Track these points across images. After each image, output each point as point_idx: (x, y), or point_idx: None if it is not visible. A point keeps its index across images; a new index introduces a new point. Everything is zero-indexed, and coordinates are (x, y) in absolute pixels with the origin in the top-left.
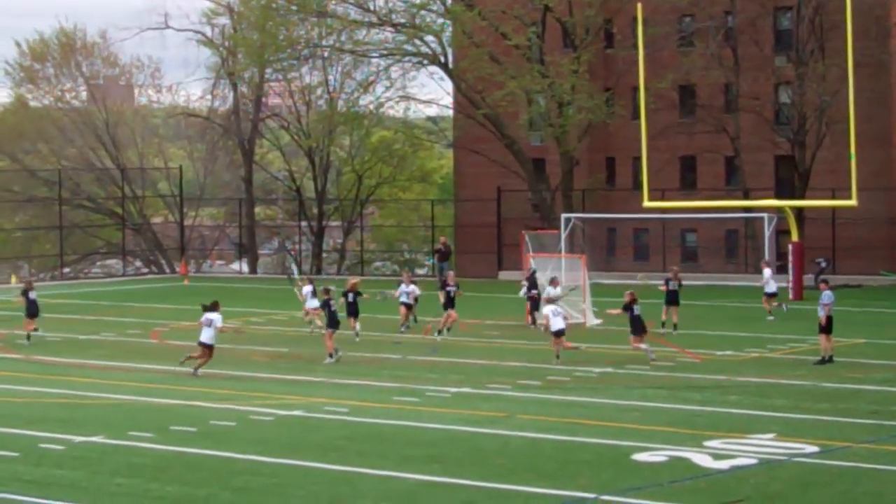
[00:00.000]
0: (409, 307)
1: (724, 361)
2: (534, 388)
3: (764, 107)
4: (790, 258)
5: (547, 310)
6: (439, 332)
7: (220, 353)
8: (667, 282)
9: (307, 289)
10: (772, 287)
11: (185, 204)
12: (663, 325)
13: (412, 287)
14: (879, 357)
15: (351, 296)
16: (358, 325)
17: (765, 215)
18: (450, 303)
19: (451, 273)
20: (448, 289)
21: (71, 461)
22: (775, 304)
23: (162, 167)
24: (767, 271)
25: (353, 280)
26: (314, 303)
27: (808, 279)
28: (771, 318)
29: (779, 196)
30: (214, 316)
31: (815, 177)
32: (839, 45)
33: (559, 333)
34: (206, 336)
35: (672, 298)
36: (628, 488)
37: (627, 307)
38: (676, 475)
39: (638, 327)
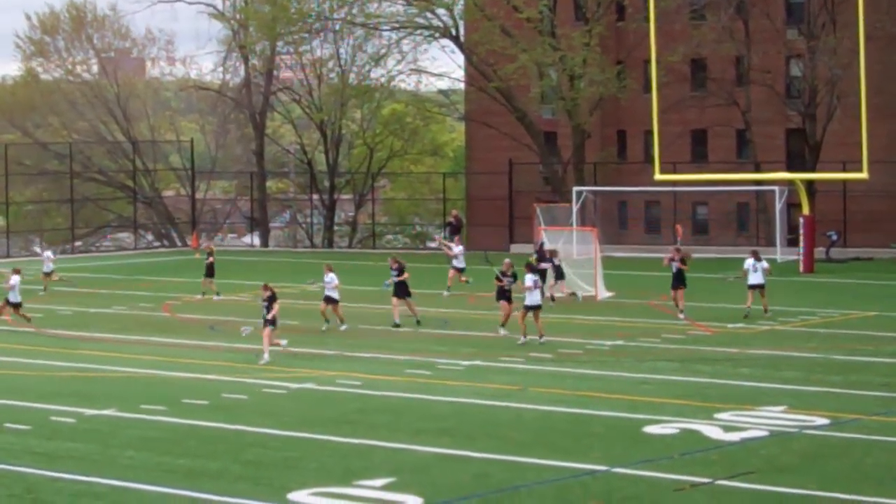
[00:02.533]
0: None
1: (736, 334)
2: (546, 361)
3: (775, 80)
4: (801, 231)
5: (528, 280)
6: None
7: (231, 327)
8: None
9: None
10: (756, 278)
11: (197, 177)
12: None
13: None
14: (890, 329)
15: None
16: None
17: (776, 188)
18: (503, 295)
19: (509, 261)
20: (506, 279)
21: (83, 434)
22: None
23: (173, 140)
24: (749, 261)
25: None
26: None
27: (820, 252)
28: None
29: (790, 169)
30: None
31: (826, 150)
32: (850, 18)
33: (532, 308)
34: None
35: (677, 280)
36: (640, 460)
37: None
38: (687, 447)
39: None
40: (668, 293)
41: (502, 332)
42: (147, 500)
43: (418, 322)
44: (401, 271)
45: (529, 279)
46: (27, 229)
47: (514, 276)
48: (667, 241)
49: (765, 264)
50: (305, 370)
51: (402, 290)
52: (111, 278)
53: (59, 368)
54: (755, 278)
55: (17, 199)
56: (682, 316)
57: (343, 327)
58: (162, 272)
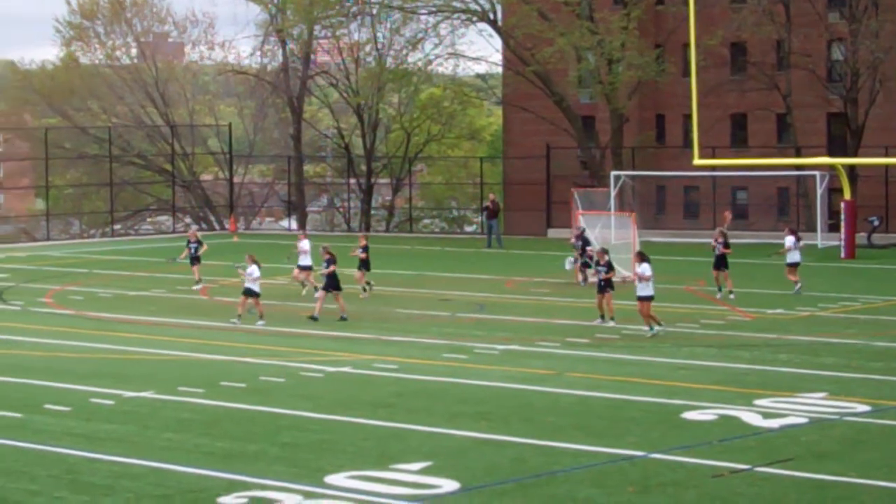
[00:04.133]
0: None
1: (775, 320)
2: (583, 345)
3: (816, 64)
4: (842, 216)
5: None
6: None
7: (268, 310)
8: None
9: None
10: (795, 256)
11: (235, 161)
12: (719, 289)
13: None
14: None
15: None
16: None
17: (816, 173)
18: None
19: (600, 249)
20: (598, 269)
21: (121, 416)
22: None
23: (212, 124)
24: (790, 239)
25: None
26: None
27: (861, 238)
28: (798, 286)
29: (831, 154)
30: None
31: (868, 134)
32: (892, 1)
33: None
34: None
35: (719, 261)
36: (677, 446)
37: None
38: (726, 434)
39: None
40: (706, 279)
41: (611, 323)
42: (185, 482)
43: (343, 318)
44: (330, 263)
45: (646, 268)
46: (67, 213)
47: (609, 266)
48: (706, 227)
49: (801, 242)
50: (342, 354)
51: (332, 283)
52: (150, 261)
53: (98, 350)
54: (795, 256)
55: (56, 183)
56: (732, 296)
57: (260, 323)
58: (203, 255)
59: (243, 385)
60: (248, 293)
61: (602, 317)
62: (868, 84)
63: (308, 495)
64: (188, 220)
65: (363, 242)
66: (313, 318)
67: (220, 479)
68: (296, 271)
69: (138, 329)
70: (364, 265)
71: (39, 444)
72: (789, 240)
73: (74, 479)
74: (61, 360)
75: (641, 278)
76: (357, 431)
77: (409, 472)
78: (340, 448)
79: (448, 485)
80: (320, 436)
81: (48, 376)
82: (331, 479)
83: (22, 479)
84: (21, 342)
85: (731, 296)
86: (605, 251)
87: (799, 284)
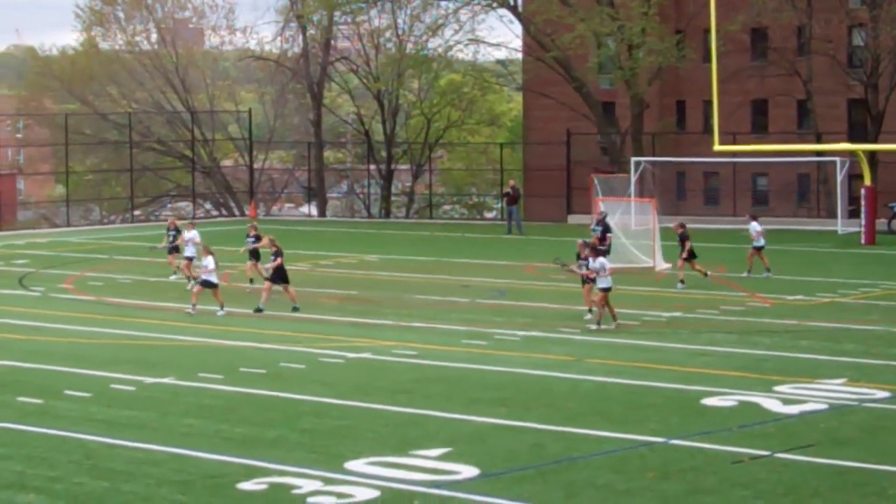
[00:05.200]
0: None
1: (795, 306)
2: (602, 332)
3: (837, 49)
4: (862, 202)
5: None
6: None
7: (288, 297)
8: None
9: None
10: (760, 241)
11: (255, 147)
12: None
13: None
14: None
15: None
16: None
17: (837, 159)
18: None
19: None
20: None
21: (142, 402)
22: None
23: (232, 110)
24: (755, 225)
25: None
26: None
27: (881, 224)
28: (745, 274)
29: (851, 140)
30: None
31: (889, 120)
32: None
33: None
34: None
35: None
36: (697, 432)
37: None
38: (746, 420)
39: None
40: (726, 265)
41: (588, 316)
42: (205, 468)
43: (295, 309)
44: (277, 255)
45: (604, 262)
46: (87, 199)
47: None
48: (727, 213)
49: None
50: (362, 340)
51: (279, 276)
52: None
53: (118, 336)
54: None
55: (76, 169)
56: (768, 274)
57: (220, 313)
58: (220, 241)
59: (263, 371)
60: (206, 285)
61: (591, 310)
62: (889, 70)
63: (327, 481)
64: (208, 205)
65: (253, 233)
66: (259, 310)
67: (239, 465)
68: (183, 263)
69: (158, 315)
70: (254, 255)
71: (60, 429)
72: (755, 225)
73: (94, 464)
74: (81, 346)
75: (600, 273)
76: (377, 417)
77: (429, 458)
78: (360, 434)
79: (467, 471)
80: (340, 422)
81: (68, 362)
82: (350, 464)
83: (42, 465)
84: (41, 328)
85: (768, 273)
86: (586, 244)
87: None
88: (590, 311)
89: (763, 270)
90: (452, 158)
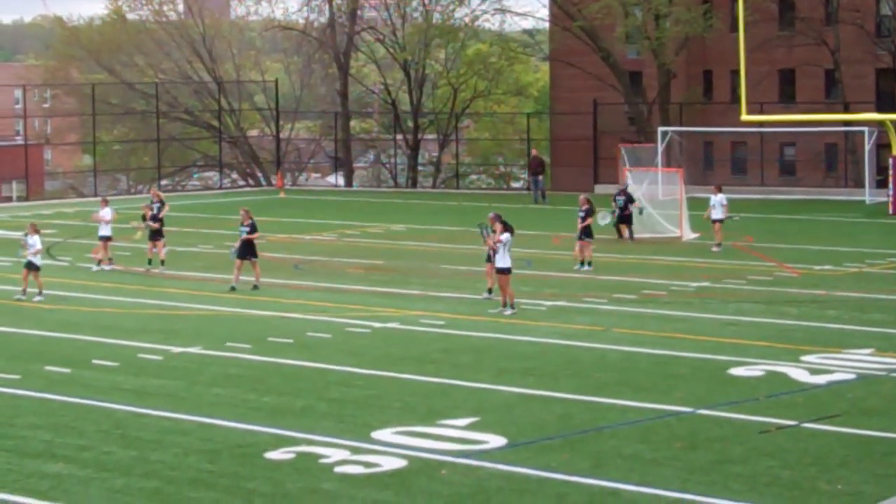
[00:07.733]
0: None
1: (823, 276)
2: (629, 301)
3: (865, 19)
4: (890, 172)
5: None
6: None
7: (315, 266)
8: None
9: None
10: (718, 214)
11: (281, 117)
12: None
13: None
14: None
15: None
16: None
17: (865, 129)
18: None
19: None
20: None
21: (169, 371)
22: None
23: (258, 80)
24: (721, 197)
25: None
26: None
27: None
28: (716, 248)
29: (879, 109)
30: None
31: None
32: None
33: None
34: None
35: None
36: (724, 402)
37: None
38: (773, 389)
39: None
40: (754, 235)
41: (587, 268)
42: (232, 437)
43: (255, 287)
44: (252, 229)
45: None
46: (114, 169)
47: (587, 213)
48: (754, 183)
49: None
50: (389, 309)
51: (248, 251)
52: (197, 217)
53: (146, 306)
54: (718, 213)
55: (104, 139)
56: (716, 249)
57: (38, 298)
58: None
59: (290, 341)
60: (30, 266)
61: (582, 263)
62: None
63: (355, 451)
64: (235, 175)
65: (149, 213)
66: (232, 289)
67: (267, 435)
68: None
69: (186, 285)
70: (157, 234)
71: (88, 399)
72: (721, 197)
73: (123, 433)
74: (109, 316)
75: (503, 244)
76: (404, 387)
77: (456, 427)
78: (387, 403)
79: (495, 440)
80: (367, 391)
81: (96, 332)
82: (378, 434)
83: (71, 434)
84: (69, 298)
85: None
86: (497, 217)
87: (719, 246)
88: (489, 290)
89: (715, 245)
90: (479, 128)
